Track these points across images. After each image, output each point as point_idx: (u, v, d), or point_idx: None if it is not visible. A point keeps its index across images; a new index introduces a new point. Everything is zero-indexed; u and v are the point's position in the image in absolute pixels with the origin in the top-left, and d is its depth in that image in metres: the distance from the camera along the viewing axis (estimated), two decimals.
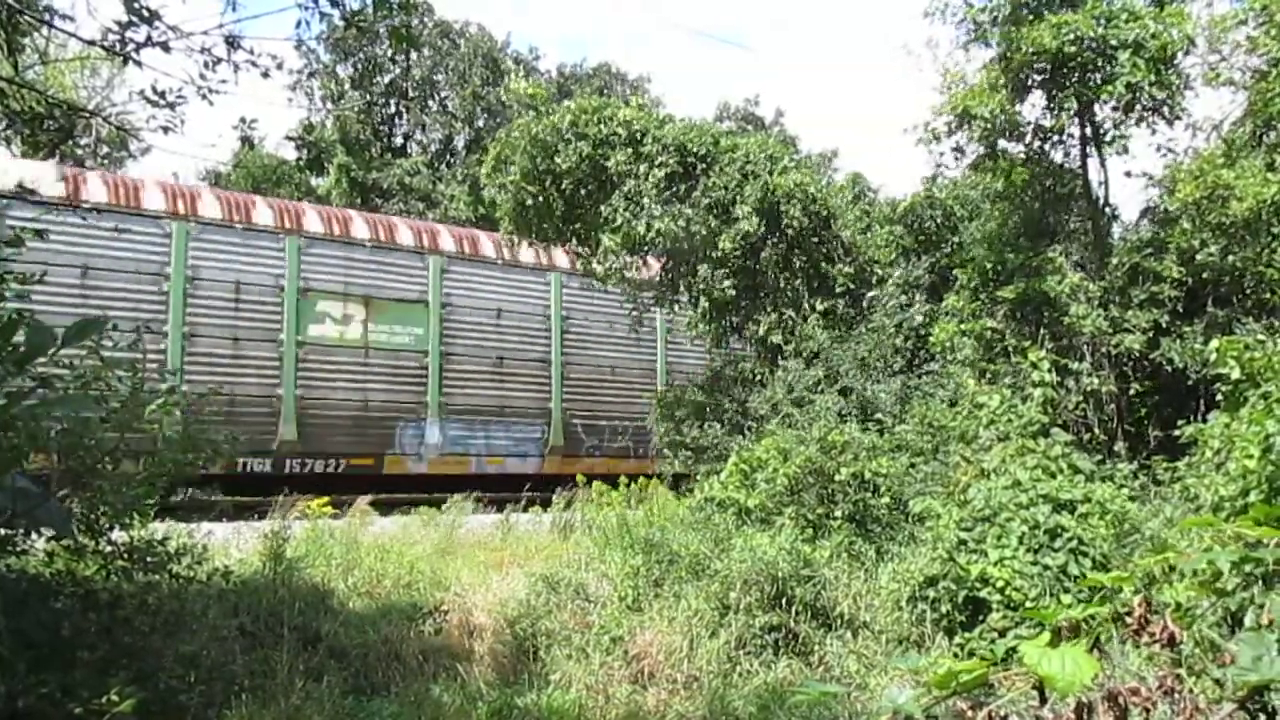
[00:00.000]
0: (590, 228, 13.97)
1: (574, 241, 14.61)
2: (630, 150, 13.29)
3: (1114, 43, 10.72)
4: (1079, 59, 10.90)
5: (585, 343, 18.09)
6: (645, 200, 13.10)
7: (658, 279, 14.84)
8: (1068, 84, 11.24)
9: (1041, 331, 11.35)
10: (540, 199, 13.61)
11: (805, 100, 65.96)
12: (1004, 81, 11.40)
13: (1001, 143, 12.00)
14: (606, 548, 9.59)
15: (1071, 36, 10.70)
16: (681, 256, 14.23)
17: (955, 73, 12.23)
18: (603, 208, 13.40)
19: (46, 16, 5.07)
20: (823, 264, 13.80)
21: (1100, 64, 10.98)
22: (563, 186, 13.53)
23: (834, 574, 8.64)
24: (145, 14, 4.60)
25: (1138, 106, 11.11)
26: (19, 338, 3.40)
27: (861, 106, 63.52)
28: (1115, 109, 11.27)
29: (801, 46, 73.30)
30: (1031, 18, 11.26)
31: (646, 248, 13.85)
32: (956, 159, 12.37)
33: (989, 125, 11.39)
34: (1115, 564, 7.41)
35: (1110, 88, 10.79)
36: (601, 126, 13.38)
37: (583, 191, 13.60)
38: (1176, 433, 9.07)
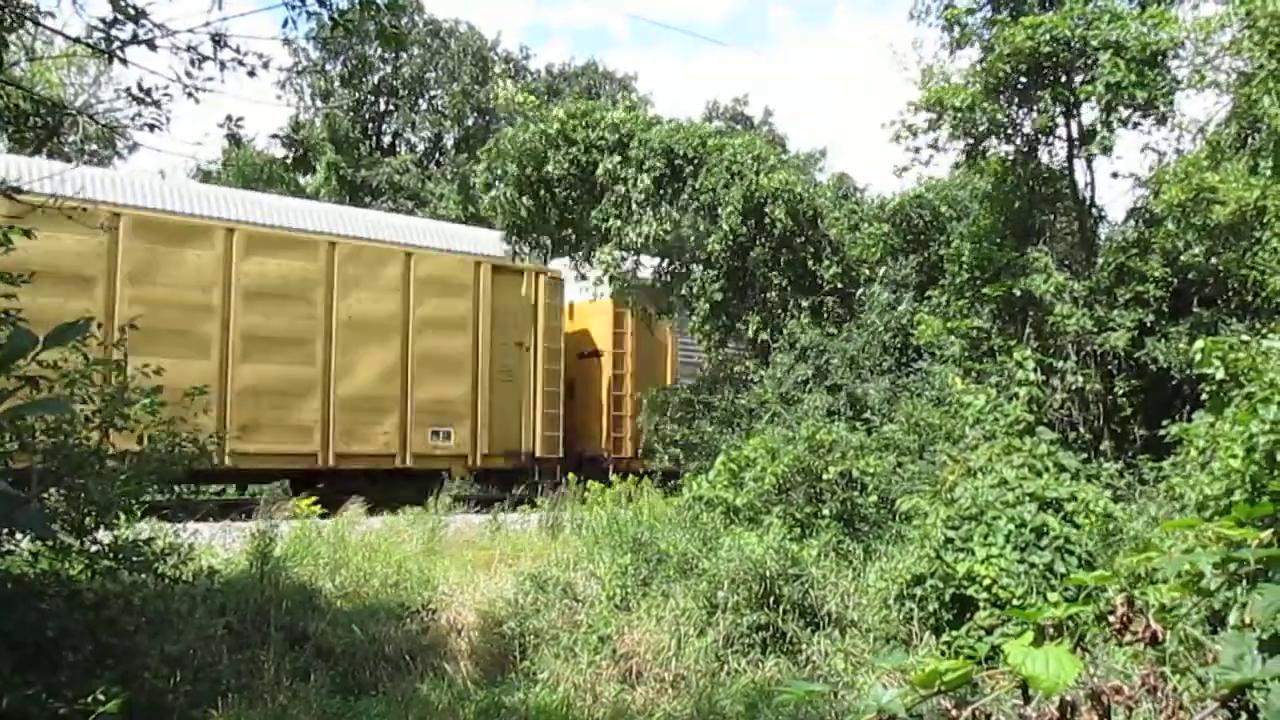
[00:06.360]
0: (582, 234, 13.97)
1: (568, 249, 14.61)
2: (618, 156, 13.28)
3: (1095, 43, 10.78)
4: (1058, 59, 10.95)
5: None
6: (634, 206, 13.10)
7: (653, 282, 14.82)
8: (1047, 84, 11.29)
9: (1027, 330, 11.40)
10: (534, 208, 13.61)
11: (801, 100, 66.07)
12: (983, 82, 11.43)
13: (986, 142, 12.02)
14: (594, 547, 9.59)
15: (1048, 36, 10.76)
16: (673, 258, 14.25)
17: (937, 69, 12.22)
18: (593, 214, 13.41)
19: (32, 14, 5.02)
20: (810, 263, 13.81)
21: (1082, 64, 11.03)
22: (555, 194, 13.53)
23: (822, 573, 8.66)
24: (131, 11, 4.57)
25: (1120, 107, 11.15)
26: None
27: (853, 106, 63.67)
28: (1097, 109, 11.31)
29: (798, 45, 73.49)
30: (1008, 17, 11.31)
31: (638, 252, 13.86)
32: (931, 155, 12.37)
33: (960, 116, 11.40)
34: (1101, 562, 7.45)
35: (1091, 88, 10.85)
36: (589, 131, 13.36)
37: (573, 198, 13.60)
38: (1161, 432, 9.11)
